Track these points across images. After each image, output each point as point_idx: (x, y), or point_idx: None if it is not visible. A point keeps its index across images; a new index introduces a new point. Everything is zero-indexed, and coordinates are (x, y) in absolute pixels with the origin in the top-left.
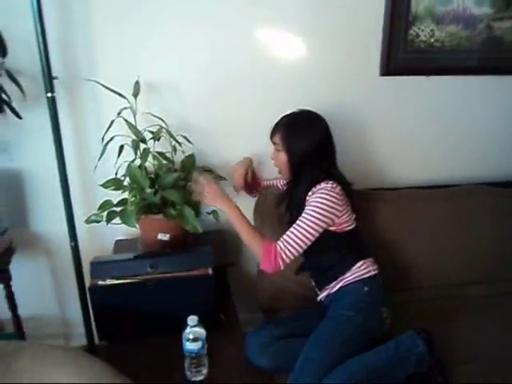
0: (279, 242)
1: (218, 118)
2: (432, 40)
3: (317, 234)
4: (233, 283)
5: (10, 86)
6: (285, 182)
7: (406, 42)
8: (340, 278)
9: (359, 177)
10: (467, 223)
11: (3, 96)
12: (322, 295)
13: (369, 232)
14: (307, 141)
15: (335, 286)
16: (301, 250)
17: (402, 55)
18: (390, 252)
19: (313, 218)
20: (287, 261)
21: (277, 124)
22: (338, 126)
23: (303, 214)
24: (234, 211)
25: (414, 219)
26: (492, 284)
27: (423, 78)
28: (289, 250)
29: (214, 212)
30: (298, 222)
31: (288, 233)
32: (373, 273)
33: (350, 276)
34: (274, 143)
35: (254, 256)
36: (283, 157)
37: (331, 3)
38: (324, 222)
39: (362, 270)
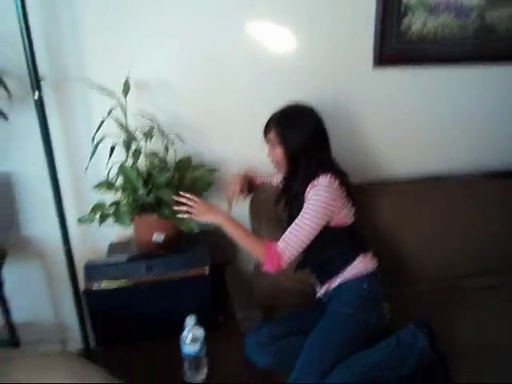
0: (279, 243)
1: (211, 114)
2: (425, 30)
3: (317, 232)
4: (230, 282)
5: None
6: (280, 178)
7: (399, 33)
8: (340, 274)
9: (354, 170)
10: (464, 215)
11: None
12: (321, 292)
13: (366, 226)
14: (301, 132)
15: (335, 282)
16: (301, 249)
17: (395, 45)
18: (388, 246)
19: (312, 217)
20: (289, 260)
21: (269, 120)
22: (331, 119)
23: (302, 212)
24: (226, 221)
25: (411, 212)
26: (490, 276)
27: (417, 67)
28: (289, 250)
29: None
30: (297, 220)
31: (288, 232)
32: (372, 268)
33: (350, 271)
34: (269, 139)
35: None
36: (279, 151)
37: None
38: (323, 218)
39: (361, 264)
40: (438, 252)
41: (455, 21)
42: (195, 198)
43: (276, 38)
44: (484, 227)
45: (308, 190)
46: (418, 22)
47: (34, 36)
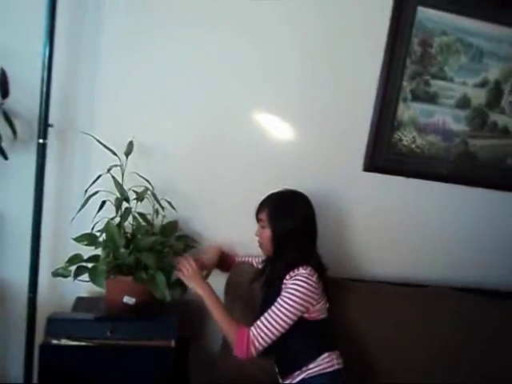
0: (252, 329)
1: (205, 187)
2: (413, 146)
3: (291, 322)
4: (193, 358)
5: (3, 127)
6: (261, 259)
7: (390, 144)
8: (304, 369)
9: (334, 265)
10: (434, 325)
11: None
12: None
13: (336, 322)
14: (292, 219)
15: (298, 377)
16: (274, 338)
17: (385, 155)
18: (356, 347)
19: (288, 306)
20: (260, 348)
21: (263, 201)
22: (319, 211)
23: (278, 301)
24: (208, 296)
25: (383, 315)
26: None
27: (403, 178)
28: (261, 338)
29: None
30: (272, 308)
31: (262, 319)
32: (337, 367)
33: (314, 368)
34: (260, 220)
35: (219, 332)
36: (267, 233)
37: (326, 98)
38: (299, 310)
39: (326, 362)
40: (405, 360)
41: (441, 143)
42: (193, 264)
43: (277, 129)
44: (453, 341)
45: (287, 277)
46: (408, 137)
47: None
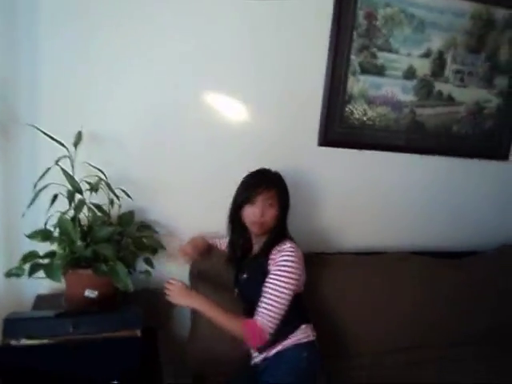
0: (258, 318)
1: (160, 174)
2: (365, 118)
3: (291, 298)
4: (162, 347)
5: None
6: (224, 240)
7: (342, 118)
8: (280, 341)
9: (300, 240)
10: (400, 289)
11: None
12: (258, 358)
13: (308, 296)
14: (289, 196)
15: (273, 349)
16: (281, 317)
17: (338, 129)
18: (327, 317)
19: (285, 284)
20: (271, 331)
21: (267, 181)
22: None
23: (273, 281)
24: (202, 305)
25: (351, 284)
26: (420, 350)
27: (357, 151)
28: (270, 322)
29: (146, 271)
30: (269, 291)
31: (264, 304)
32: (311, 338)
33: (290, 340)
34: (266, 199)
35: (186, 318)
36: (274, 212)
37: (277, 76)
38: (295, 284)
39: (301, 334)
40: (373, 326)
41: (391, 114)
42: (172, 281)
43: (229, 110)
44: (422, 302)
45: (274, 252)
46: (359, 110)
47: None
